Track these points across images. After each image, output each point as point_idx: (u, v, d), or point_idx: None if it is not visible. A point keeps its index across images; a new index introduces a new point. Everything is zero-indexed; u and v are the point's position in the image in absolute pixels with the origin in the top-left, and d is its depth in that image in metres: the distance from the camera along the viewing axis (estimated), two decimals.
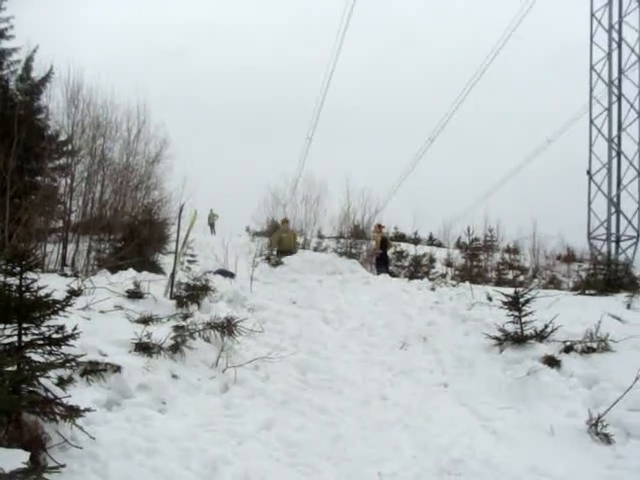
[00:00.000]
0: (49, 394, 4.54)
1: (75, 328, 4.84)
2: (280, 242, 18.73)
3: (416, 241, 33.05)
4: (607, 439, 6.28)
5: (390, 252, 22.63)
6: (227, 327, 7.90)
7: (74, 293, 8.29)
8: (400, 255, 24.82)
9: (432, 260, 25.77)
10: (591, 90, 25.52)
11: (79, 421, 4.51)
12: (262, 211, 28.63)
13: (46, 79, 18.26)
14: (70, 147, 18.67)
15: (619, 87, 24.99)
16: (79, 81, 18.55)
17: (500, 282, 20.61)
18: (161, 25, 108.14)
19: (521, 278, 23.03)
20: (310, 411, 6.64)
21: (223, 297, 10.32)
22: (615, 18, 24.97)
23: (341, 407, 6.79)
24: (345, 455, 5.64)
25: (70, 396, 4.68)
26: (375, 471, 5.34)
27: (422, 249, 28.11)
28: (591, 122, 25.38)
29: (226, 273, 13.32)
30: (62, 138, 18.72)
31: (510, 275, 23.44)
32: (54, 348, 4.73)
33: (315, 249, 23.99)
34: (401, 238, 33.52)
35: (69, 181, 18.28)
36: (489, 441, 6.28)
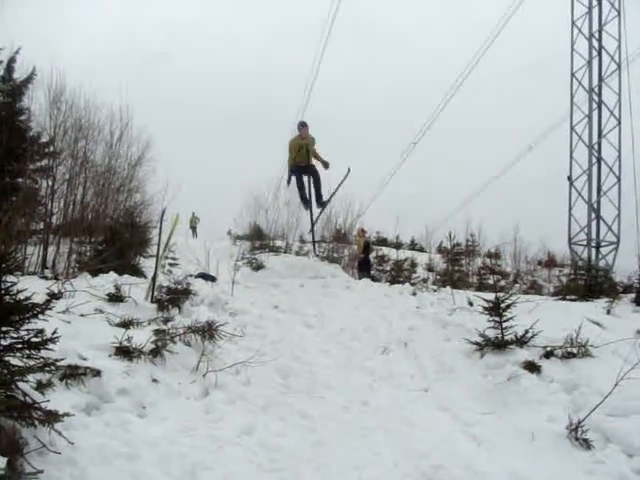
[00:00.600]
0: (27, 398, 4.51)
1: (55, 332, 4.81)
2: (299, 153, 15.71)
3: (398, 245, 33.16)
4: (587, 444, 6.31)
5: (372, 256, 22.71)
6: (208, 331, 7.88)
7: (54, 296, 8.20)
8: (382, 260, 24.90)
9: (414, 265, 25.92)
10: (572, 97, 25.72)
11: (58, 426, 4.49)
12: (244, 215, 28.63)
13: (28, 80, 18.21)
14: (52, 149, 18.61)
15: (599, 94, 25.21)
16: (62, 83, 18.54)
17: (481, 287, 20.71)
18: (146, 29, 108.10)
19: (502, 283, 23.14)
20: (291, 416, 6.62)
21: (204, 301, 10.29)
22: (595, 27, 25.21)
23: (322, 412, 6.77)
24: (326, 460, 5.61)
25: (49, 400, 4.65)
26: (356, 476, 5.33)
27: (404, 254, 28.25)
28: (572, 129, 25.57)
29: (207, 277, 13.29)
30: (44, 140, 18.66)
31: (491, 280, 23.52)
32: (33, 352, 4.70)
33: (297, 253, 23.96)
34: (383, 242, 33.66)
35: (50, 183, 18.27)
36: (470, 446, 6.28)
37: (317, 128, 15.82)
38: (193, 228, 35.90)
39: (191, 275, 12.68)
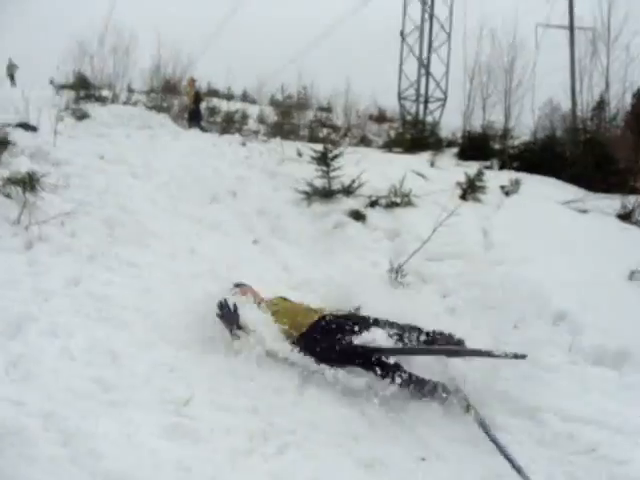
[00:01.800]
0: None
1: None
2: None
3: (229, 97, 32.61)
4: (406, 287, 6.71)
5: (203, 107, 22.28)
6: (29, 182, 7.53)
7: None
8: (213, 111, 24.47)
9: (245, 117, 25.62)
10: None
11: None
12: (68, 62, 27.08)
13: None
14: None
15: None
16: None
17: (312, 139, 20.85)
18: None
19: (333, 136, 23.41)
20: (118, 266, 6.53)
21: (24, 151, 9.75)
22: None
23: (150, 261, 6.72)
24: (153, 307, 5.63)
25: None
26: (184, 322, 5.40)
27: (235, 105, 27.82)
28: None
29: (28, 126, 12.63)
30: None
31: (322, 133, 23.74)
32: None
33: (125, 103, 23.08)
34: (214, 94, 32.98)
35: None
36: (295, 295, 6.49)
37: None
38: (11, 76, 33.59)
39: (9, 125, 11.99)
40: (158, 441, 3.69)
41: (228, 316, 5.02)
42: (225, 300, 5.08)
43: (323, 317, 4.99)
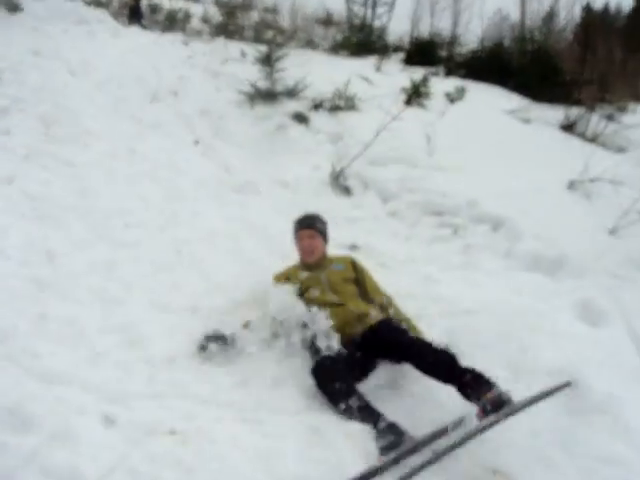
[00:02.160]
0: None
1: None
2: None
3: None
4: (347, 191, 6.70)
5: (144, 4, 21.57)
6: None
7: None
8: (154, 9, 23.70)
9: (188, 16, 24.93)
10: None
11: None
12: None
13: None
14: None
15: None
16: None
17: (257, 41, 20.42)
18: None
19: (279, 38, 23.00)
20: (55, 165, 6.30)
21: None
22: None
23: (88, 160, 6.50)
24: (92, 207, 5.50)
25: None
26: (122, 222, 5.32)
27: (177, 4, 27.04)
28: None
29: None
30: None
31: (268, 35, 23.29)
32: None
33: None
34: None
35: None
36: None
37: None
38: None
39: None
40: (97, 339, 3.68)
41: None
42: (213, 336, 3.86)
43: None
